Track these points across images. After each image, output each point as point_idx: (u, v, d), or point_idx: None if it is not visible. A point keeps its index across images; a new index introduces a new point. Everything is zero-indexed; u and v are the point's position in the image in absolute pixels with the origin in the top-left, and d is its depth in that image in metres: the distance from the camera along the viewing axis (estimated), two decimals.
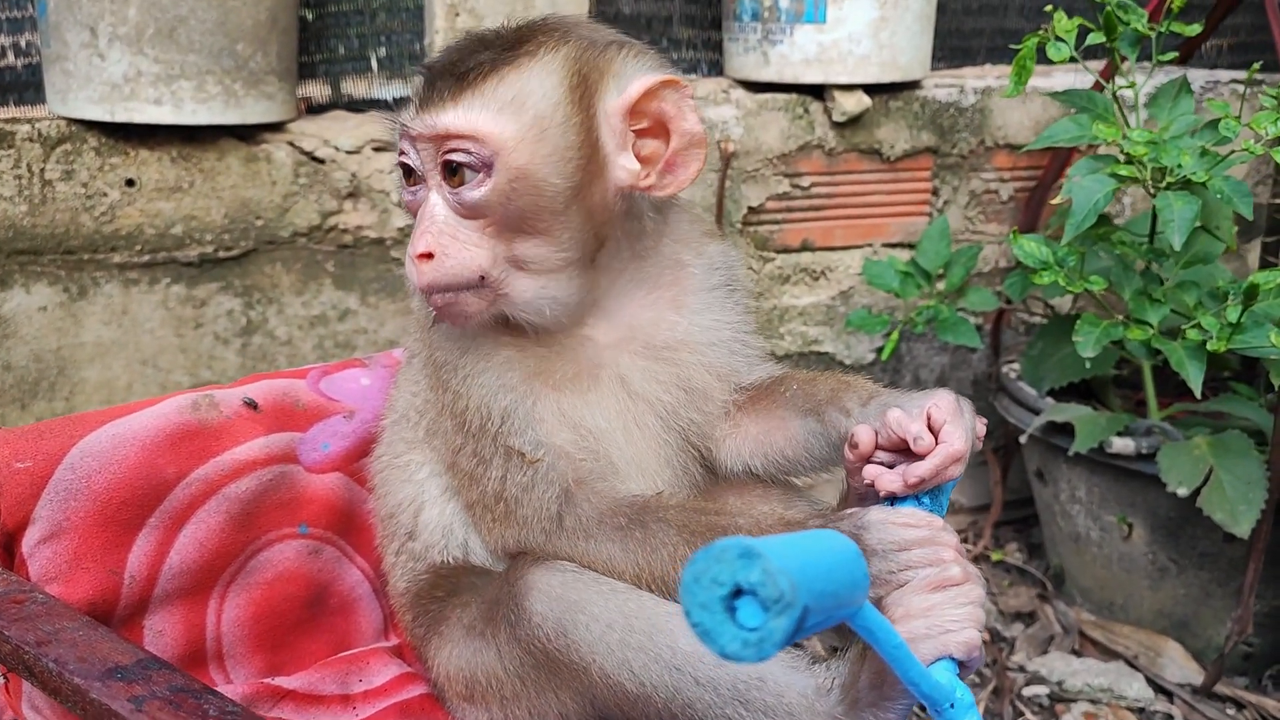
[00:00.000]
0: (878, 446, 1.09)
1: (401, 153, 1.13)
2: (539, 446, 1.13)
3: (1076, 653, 2.28)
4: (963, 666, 0.98)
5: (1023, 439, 2.31)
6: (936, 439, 1.06)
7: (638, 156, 1.13)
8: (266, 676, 1.24)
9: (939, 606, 0.99)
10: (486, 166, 1.08)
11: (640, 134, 1.14)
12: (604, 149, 1.11)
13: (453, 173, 1.09)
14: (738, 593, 0.66)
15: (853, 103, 2.52)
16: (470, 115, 1.07)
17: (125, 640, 1.00)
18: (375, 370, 1.42)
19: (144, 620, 1.17)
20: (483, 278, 1.10)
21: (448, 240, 1.08)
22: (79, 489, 1.14)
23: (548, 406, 1.15)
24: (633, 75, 1.12)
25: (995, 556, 2.59)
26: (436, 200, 1.10)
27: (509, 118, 1.07)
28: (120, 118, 2.14)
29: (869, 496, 1.12)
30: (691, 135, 1.12)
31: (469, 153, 1.07)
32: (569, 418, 1.15)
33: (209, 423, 1.25)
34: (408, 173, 1.14)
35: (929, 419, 1.07)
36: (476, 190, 1.08)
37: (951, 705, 0.92)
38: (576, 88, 1.09)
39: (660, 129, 1.13)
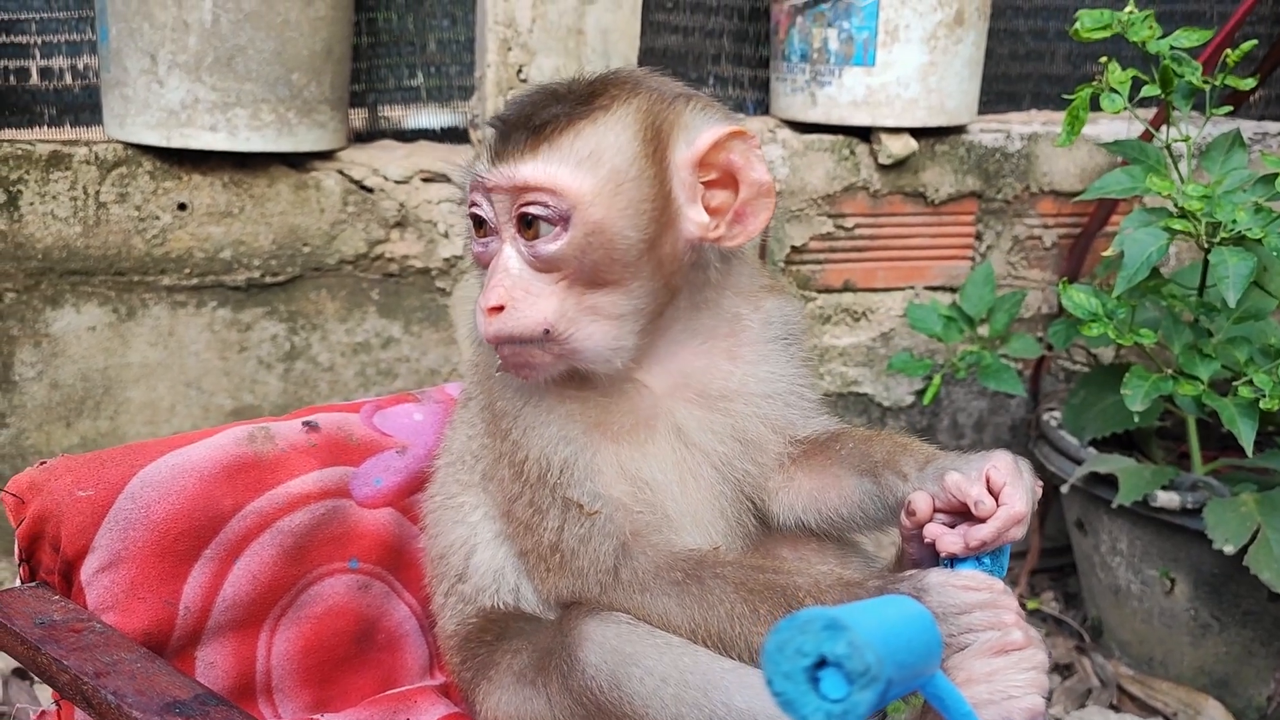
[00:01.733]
0: (936, 510, 1.08)
1: (473, 204, 1.13)
2: (596, 499, 1.13)
3: (1115, 708, 2.25)
4: None
5: (1064, 489, 2.29)
6: (997, 501, 1.05)
7: (706, 208, 1.13)
8: (314, 711, 1.24)
9: (1002, 671, 0.98)
10: (563, 220, 1.08)
11: (709, 185, 1.13)
12: (676, 201, 1.11)
13: (528, 225, 1.09)
14: (821, 663, 0.65)
15: (899, 145, 2.52)
16: (548, 168, 1.08)
17: (182, 674, 1.00)
18: (428, 405, 1.42)
19: (196, 651, 1.18)
20: (548, 330, 1.10)
21: (520, 293, 1.09)
22: (138, 519, 1.14)
23: (606, 458, 1.14)
24: (701, 127, 1.12)
25: (1031, 605, 2.56)
26: (510, 253, 1.10)
27: (586, 171, 1.08)
28: (176, 143, 2.17)
29: (925, 561, 1.12)
30: (760, 185, 1.12)
31: (546, 206, 1.08)
32: (626, 470, 1.15)
33: (264, 455, 1.25)
34: (478, 223, 1.14)
35: (988, 481, 1.06)
36: (553, 244, 1.08)
37: None
38: (649, 141, 1.10)
39: (729, 179, 1.12)
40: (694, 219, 1.12)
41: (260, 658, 1.22)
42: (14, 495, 1.14)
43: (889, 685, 0.66)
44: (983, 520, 1.05)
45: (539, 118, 1.10)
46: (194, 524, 1.18)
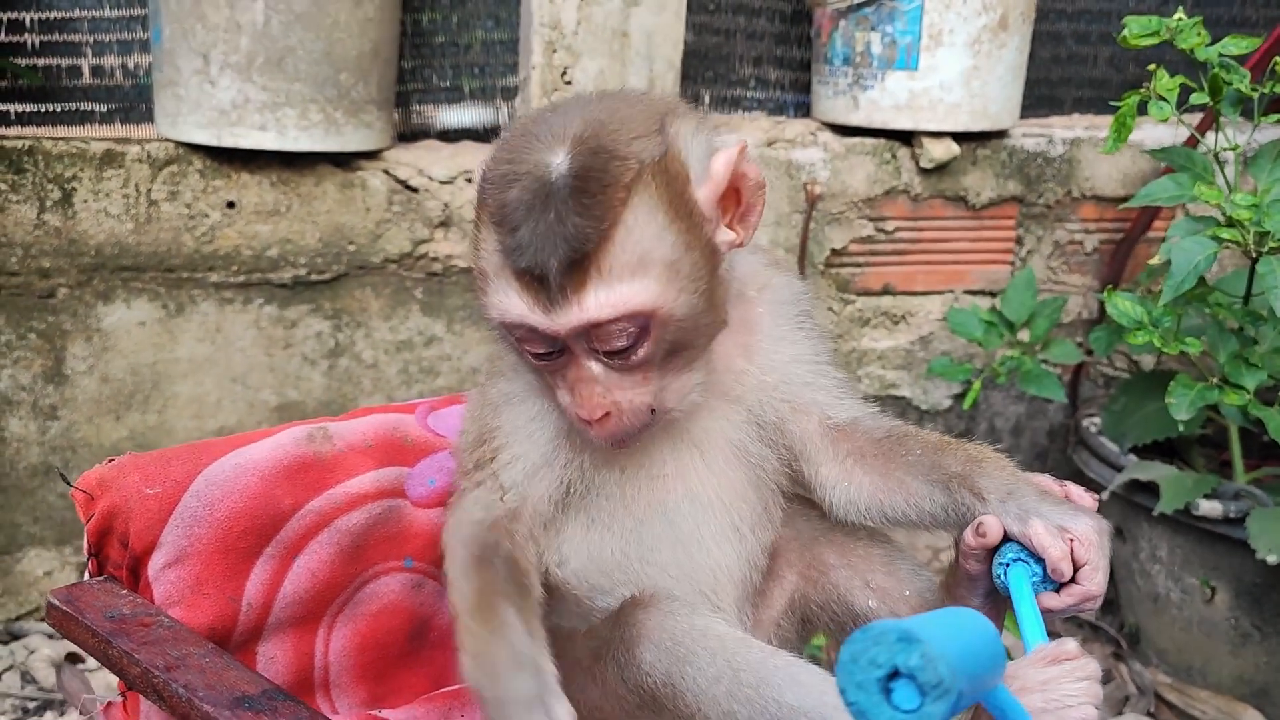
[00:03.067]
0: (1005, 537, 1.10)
1: (525, 335, 1.08)
2: (513, 489, 1.17)
3: (1152, 715, 2.25)
4: None
5: (1104, 496, 2.28)
6: (1075, 570, 1.06)
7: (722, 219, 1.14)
8: (370, 707, 1.26)
9: (1056, 680, 0.99)
10: (643, 332, 1.06)
11: (719, 201, 1.13)
12: (710, 239, 1.11)
13: (605, 351, 1.07)
14: (894, 674, 0.66)
15: (941, 150, 2.52)
16: (610, 299, 1.03)
17: (249, 669, 1.02)
18: None
19: (258, 646, 1.20)
20: (653, 411, 1.11)
21: (617, 394, 1.08)
22: (203, 516, 1.17)
23: (562, 469, 1.18)
24: (702, 156, 1.10)
25: None
26: (591, 364, 1.08)
27: (644, 281, 1.04)
28: (227, 142, 2.20)
29: (979, 576, 1.12)
30: (757, 182, 1.12)
31: (626, 332, 1.05)
32: (567, 474, 1.18)
33: (323, 455, 1.28)
34: (532, 344, 1.10)
35: (1070, 547, 1.07)
36: (637, 353, 1.07)
37: None
38: (675, 206, 1.06)
39: (730, 189, 1.12)
40: (724, 240, 1.13)
41: (319, 654, 1.25)
42: (84, 491, 1.17)
43: (960, 697, 0.68)
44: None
45: (567, 247, 1.02)
46: (256, 522, 1.20)
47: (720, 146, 1.11)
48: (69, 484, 1.18)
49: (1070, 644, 1.01)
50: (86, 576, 1.19)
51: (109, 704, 1.19)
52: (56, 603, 1.10)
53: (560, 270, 1.03)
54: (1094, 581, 1.06)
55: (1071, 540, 1.06)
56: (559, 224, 1.02)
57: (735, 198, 1.12)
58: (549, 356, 1.09)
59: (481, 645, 1.03)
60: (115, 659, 1.04)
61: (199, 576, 1.16)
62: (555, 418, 1.18)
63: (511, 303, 1.06)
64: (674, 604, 1.13)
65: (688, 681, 1.08)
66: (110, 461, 1.19)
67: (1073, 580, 1.07)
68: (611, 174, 1.04)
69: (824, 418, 1.23)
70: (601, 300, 1.03)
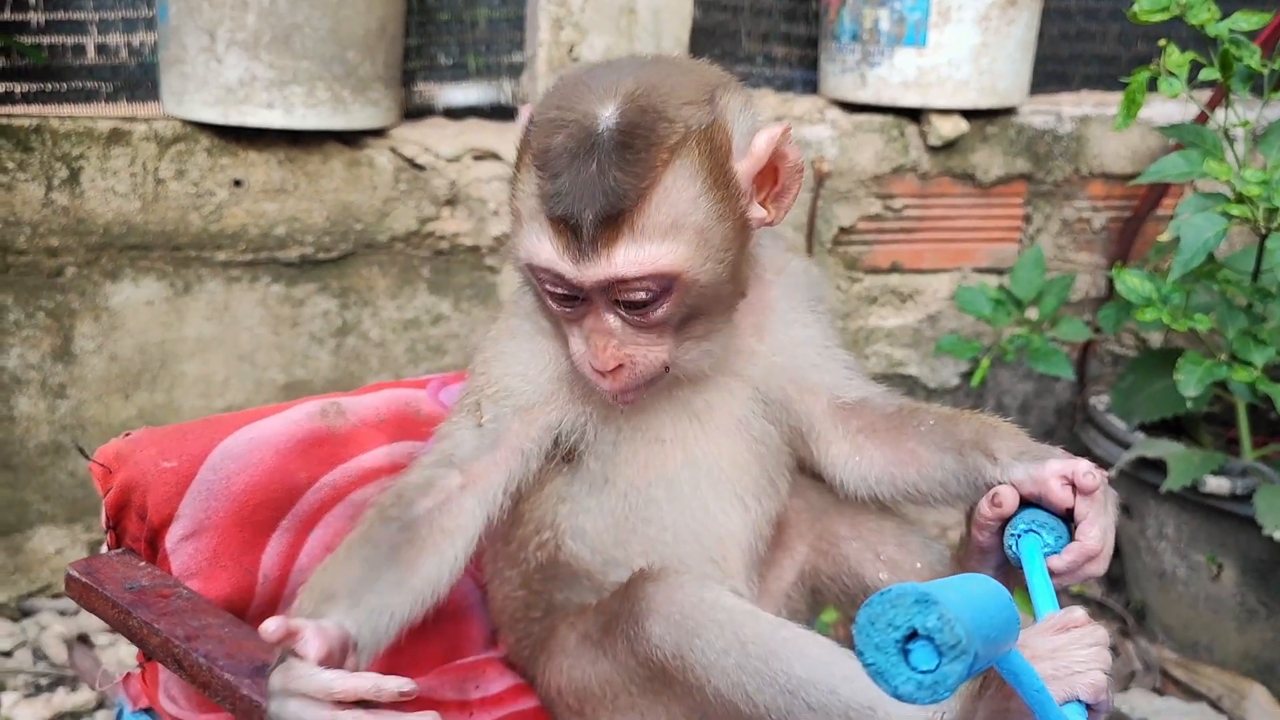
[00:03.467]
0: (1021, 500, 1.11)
1: (551, 287, 1.10)
2: (495, 421, 1.17)
3: (1158, 691, 2.26)
4: (1090, 710, 0.99)
5: (1112, 473, 2.28)
6: (1077, 528, 1.07)
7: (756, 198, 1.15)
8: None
9: (1065, 648, 1.00)
10: (665, 292, 1.08)
11: (755, 179, 1.14)
12: (743, 211, 1.12)
13: (628, 306, 1.09)
14: (912, 636, 0.67)
15: (949, 127, 2.51)
16: (639, 257, 1.05)
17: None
18: None
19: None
20: (666, 368, 1.13)
21: (631, 349, 1.10)
22: (220, 489, 1.18)
23: (547, 411, 1.19)
24: (746, 132, 1.12)
25: (1074, 589, 2.57)
26: (609, 317, 1.10)
27: (672, 242, 1.06)
28: (233, 120, 2.20)
29: (990, 549, 1.13)
30: (797, 166, 1.14)
31: (647, 290, 1.07)
32: (557, 426, 1.19)
33: (336, 430, 1.29)
34: (558, 293, 1.12)
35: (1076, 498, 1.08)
36: (656, 312, 1.09)
37: None
38: (715, 176, 1.08)
39: (768, 168, 1.14)
40: (755, 216, 1.14)
41: None
42: (102, 465, 1.17)
43: (975, 659, 0.68)
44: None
45: (605, 201, 1.04)
46: (271, 495, 1.21)
47: (763, 126, 1.12)
48: (87, 457, 1.19)
49: (1078, 611, 1.01)
50: (104, 549, 1.20)
51: (128, 675, 1.20)
52: (76, 575, 1.11)
53: (595, 223, 1.04)
54: (1091, 537, 1.07)
55: (1078, 494, 1.07)
56: (600, 176, 1.04)
57: (772, 177, 1.14)
58: (570, 303, 1.11)
59: (301, 597, 1.02)
60: (135, 629, 1.05)
61: (216, 549, 1.17)
62: (558, 363, 1.19)
63: (543, 248, 1.07)
64: (683, 577, 1.14)
65: (696, 654, 1.09)
66: (126, 436, 1.20)
67: (1073, 537, 1.08)
68: (658, 134, 1.05)
69: (833, 398, 1.24)
70: (631, 258, 1.05)
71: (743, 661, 1.08)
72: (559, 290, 1.10)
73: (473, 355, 1.26)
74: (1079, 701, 0.98)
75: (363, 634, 1.01)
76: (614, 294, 1.08)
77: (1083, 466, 1.09)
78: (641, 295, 1.07)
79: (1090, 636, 1.01)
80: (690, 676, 1.10)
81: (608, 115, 1.05)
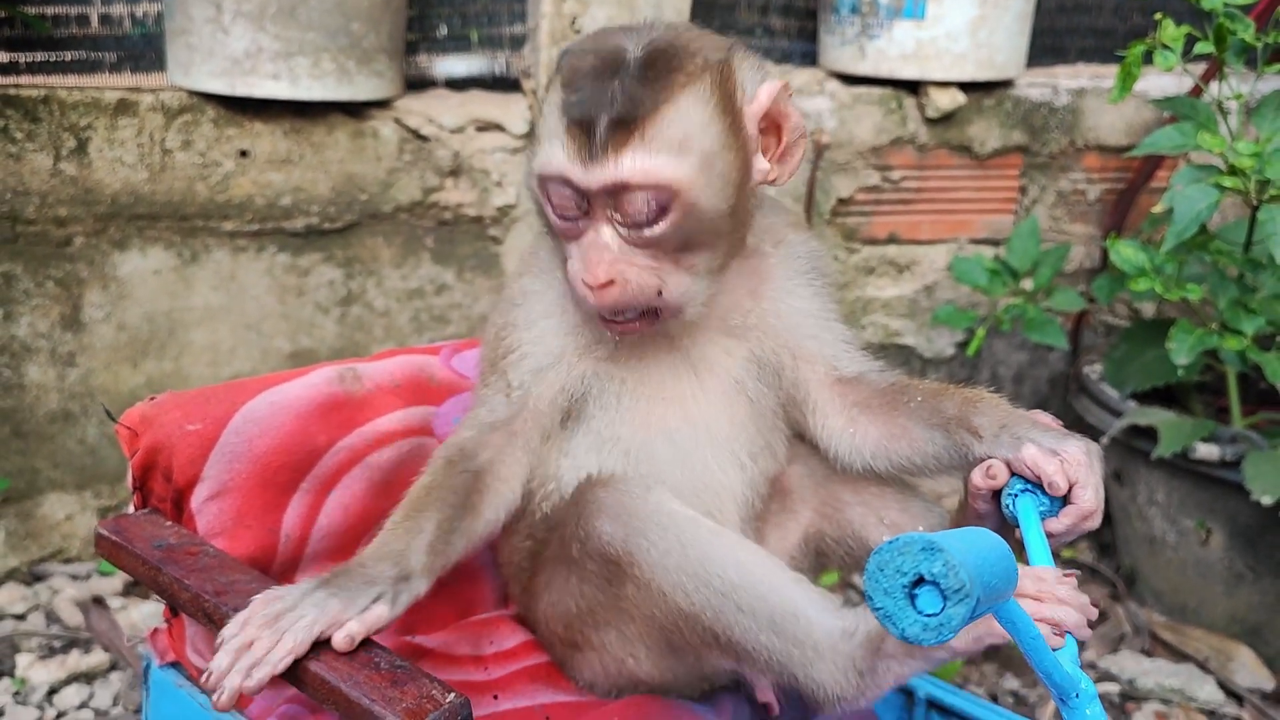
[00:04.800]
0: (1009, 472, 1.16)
1: (560, 190, 1.15)
2: (522, 388, 1.25)
3: (1147, 653, 2.31)
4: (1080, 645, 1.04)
5: (1104, 441, 2.33)
6: (1070, 491, 1.11)
7: (762, 154, 1.20)
8: (402, 635, 1.31)
9: (1048, 585, 1.04)
10: (664, 208, 1.12)
11: (760, 132, 1.20)
12: (749, 156, 1.18)
13: (627, 215, 1.13)
14: (918, 582, 0.71)
15: (947, 99, 2.54)
16: (644, 164, 1.10)
17: None
18: None
19: (295, 576, 1.25)
20: (659, 293, 1.17)
21: (624, 267, 1.14)
22: (243, 451, 1.21)
23: (567, 372, 1.25)
24: (754, 81, 1.19)
25: (1066, 554, 2.62)
26: (607, 231, 1.14)
27: (679, 159, 1.11)
28: (240, 91, 2.21)
29: (988, 516, 1.18)
30: (800, 128, 1.21)
31: (647, 201, 1.11)
32: (571, 384, 1.26)
33: (354, 394, 1.32)
34: (562, 205, 1.17)
35: (1062, 464, 1.12)
36: (653, 228, 1.13)
37: (1076, 695, 0.97)
38: (724, 107, 1.14)
39: (773, 126, 1.20)
40: (760, 168, 1.20)
41: None
42: (128, 428, 1.21)
43: (977, 603, 0.72)
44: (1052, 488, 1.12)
45: (621, 108, 1.10)
46: (292, 458, 1.25)
47: (767, 79, 1.19)
48: (114, 420, 1.22)
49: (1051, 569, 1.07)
50: (131, 509, 1.23)
51: (154, 630, 1.24)
52: (106, 533, 1.14)
53: (608, 126, 1.10)
54: (1086, 498, 1.11)
55: (1062, 460, 1.12)
56: (620, 88, 1.11)
57: (776, 135, 1.19)
58: (573, 219, 1.16)
59: (387, 530, 1.14)
60: (166, 585, 1.09)
61: (240, 509, 1.20)
62: (566, 318, 1.24)
63: (556, 154, 1.13)
64: (629, 482, 1.20)
65: (642, 553, 1.15)
66: (151, 400, 1.23)
67: (1068, 501, 1.12)
68: (678, 60, 1.13)
69: (830, 370, 1.28)
70: (637, 164, 1.10)
71: (682, 563, 1.14)
72: (565, 200, 1.15)
73: (489, 319, 1.31)
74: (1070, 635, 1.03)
75: (434, 566, 1.14)
76: (616, 205, 1.13)
77: (1068, 450, 1.12)
78: (641, 207, 1.12)
79: (1064, 581, 1.08)
80: (638, 573, 1.16)
81: (634, 46, 1.14)
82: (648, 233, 1.13)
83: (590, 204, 1.14)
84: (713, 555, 1.14)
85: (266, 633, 1.00)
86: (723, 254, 1.20)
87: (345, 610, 1.04)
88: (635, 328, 1.18)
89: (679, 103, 1.11)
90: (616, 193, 1.12)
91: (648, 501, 1.17)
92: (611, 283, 1.14)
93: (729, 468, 1.27)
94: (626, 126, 1.10)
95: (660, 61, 1.13)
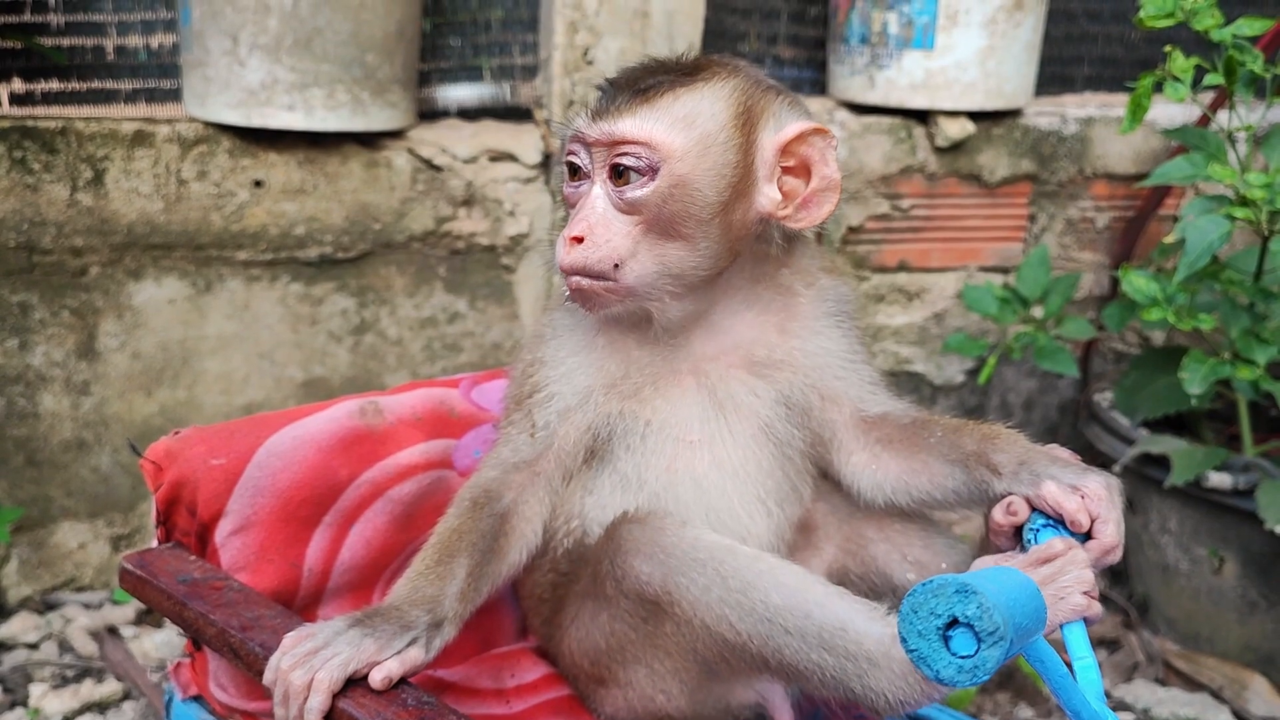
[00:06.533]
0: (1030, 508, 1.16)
1: (571, 153, 1.24)
2: (546, 428, 1.27)
3: (1161, 682, 2.31)
4: (1086, 621, 1.03)
5: (1116, 469, 2.33)
6: (1091, 526, 1.12)
7: (780, 190, 1.24)
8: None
9: (1052, 578, 1.04)
10: (652, 171, 1.18)
11: (786, 170, 1.24)
12: (755, 175, 1.22)
13: (619, 174, 1.19)
14: (952, 623, 0.71)
15: (956, 129, 2.56)
16: (644, 125, 1.18)
17: None
18: None
19: (318, 611, 1.25)
20: (617, 265, 1.20)
21: (600, 228, 1.19)
22: (266, 486, 1.22)
23: (591, 412, 1.27)
24: (788, 119, 1.24)
25: None
26: (599, 194, 1.21)
27: (679, 131, 1.18)
28: (255, 122, 2.23)
29: (1009, 551, 1.18)
30: (830, 180, 1.23)
31: (638, 157, 1.18)
32: (597, 424, 1.27)
33: (375, 428, 1.33)
34: (574, 170, 1.25)
35: (1083, 500, 1.12)
36: (639, 190, 1.19)
37: None
38: (740, 116, 1.20)
39: (803, 169, 1.23)
40: (768, 195, 1.23)
41: None
42: (153, 462, 1.21)
43: (1010, 645, 0.73)
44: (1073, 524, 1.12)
45: (643, 82, 1.21)
46: (315, 492, 1.25)
47: (808, 123, 1.24)
48: (139, 454, 1.23)
49: (1057, 544, 1.07)
50: (155, 544, 1.24)
51: (177, 664, 1.24)
52: (130, 567, 1.15)
53: (624, 90, 1.20)
54: (1108, 533, 1.12)
55: (1083, 496, 1.12)
56: (651, 70, 1.22)
57: (804, 177, 1.23)
58: (577, 180, 1.23)
59: (419, 573, 1.15)
60: (191, 620, 1.09)
61: (263, 543, 1.21)
62: (594, 354, 1.26)
63: (577, 118, 1.23)
64: (663, 519, 1.20)
65: (682, 591, 1.16)
66: (175, 434, 1.24)
67: (1089, 536, 1.13)
68: (711, 65, 1.23)
69: (856, 410, 1.29)
70: (635, 124, 1.18)
71: (724, 595, 1.15)
72: (573, 160, 1.23)
73: (518, 355, 1.32)
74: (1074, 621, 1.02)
75: (464, 613, 1.16)
76: (611, 162, 1.19)
77: (1088, 485, 1.13)
78: (630, 161, 1.18)
79: (1071, 563, 1.06)
80: (679, 611, 1.16)
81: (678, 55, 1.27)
82: (630, 193, 1.19)
83: (592, 165, 1.21)
84: (754, 582, 1.15)
85: (299, 671, 1.01)
86: (702, 259, 1.22)
87: (381, 651, 1.05)
88: (584, 289, 1.20)
89: (696, 89, 1.20)
90: (613, 150, 1.19)
91: (683, 537, 1.17)
92: (580, 239, 1.19)
93: (756, 514, 1.28)
94: (641, 94, 1.20)
95: (696, 63, 1.24)
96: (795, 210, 1.22)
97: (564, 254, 1.19)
